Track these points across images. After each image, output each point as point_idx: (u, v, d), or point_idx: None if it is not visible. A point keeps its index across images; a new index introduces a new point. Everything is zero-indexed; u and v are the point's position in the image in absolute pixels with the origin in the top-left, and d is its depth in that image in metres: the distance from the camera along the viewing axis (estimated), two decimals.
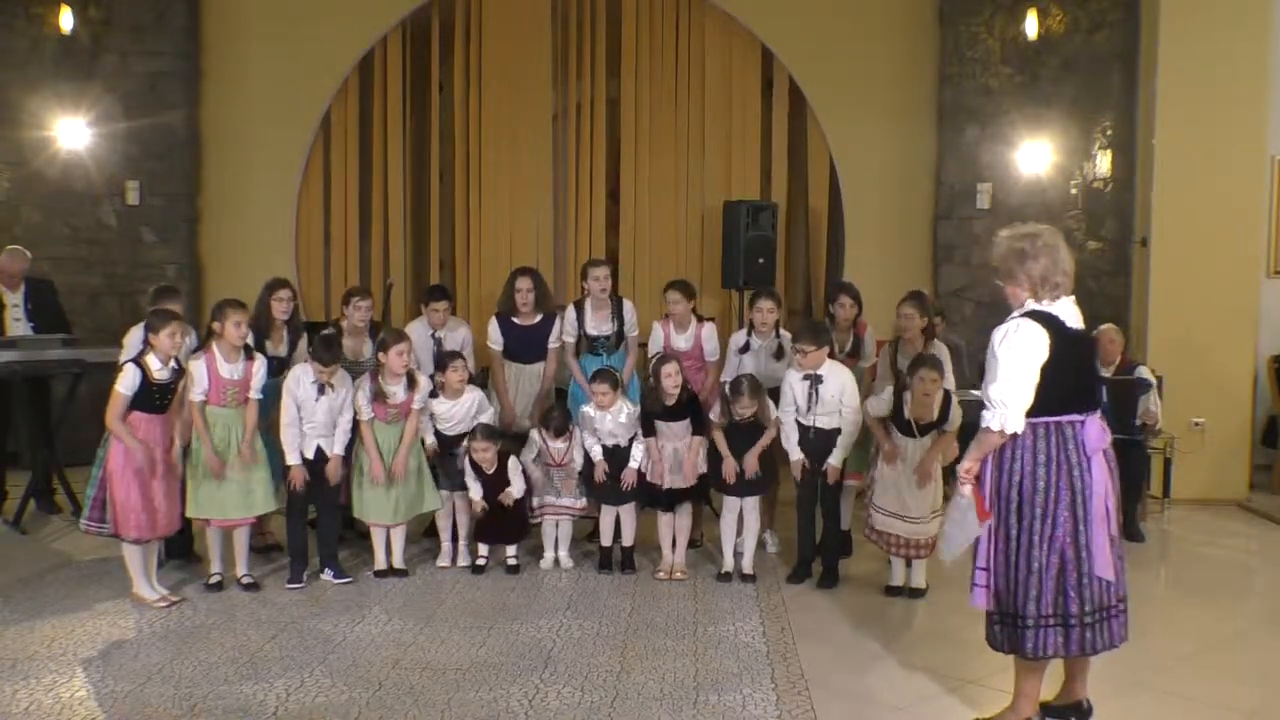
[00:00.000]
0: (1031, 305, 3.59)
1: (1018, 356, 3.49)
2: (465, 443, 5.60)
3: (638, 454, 5.57)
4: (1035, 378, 3.48)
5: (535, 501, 5.70)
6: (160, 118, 8.53)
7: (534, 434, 5.71)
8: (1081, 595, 3.52)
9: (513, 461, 5.59)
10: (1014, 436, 3.53)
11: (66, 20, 8.26)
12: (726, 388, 5.61)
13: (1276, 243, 8.05)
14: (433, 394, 5.64)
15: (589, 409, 5.64)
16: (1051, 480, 3.52)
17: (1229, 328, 7.49)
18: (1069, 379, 3.54)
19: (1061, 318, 3.56)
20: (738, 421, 5.41)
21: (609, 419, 5.57)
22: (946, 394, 5.21)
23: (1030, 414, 3.51)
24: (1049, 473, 3.52)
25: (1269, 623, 5.12)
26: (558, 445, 5.64)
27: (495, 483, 5.55)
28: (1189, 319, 7.45)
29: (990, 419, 3.51)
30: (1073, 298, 3.63)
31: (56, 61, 8.46)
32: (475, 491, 5.56)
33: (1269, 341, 7.91)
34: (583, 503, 5.73)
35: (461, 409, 5.67)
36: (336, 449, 5.36)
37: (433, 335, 6.22)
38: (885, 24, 8.59)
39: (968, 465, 3.63)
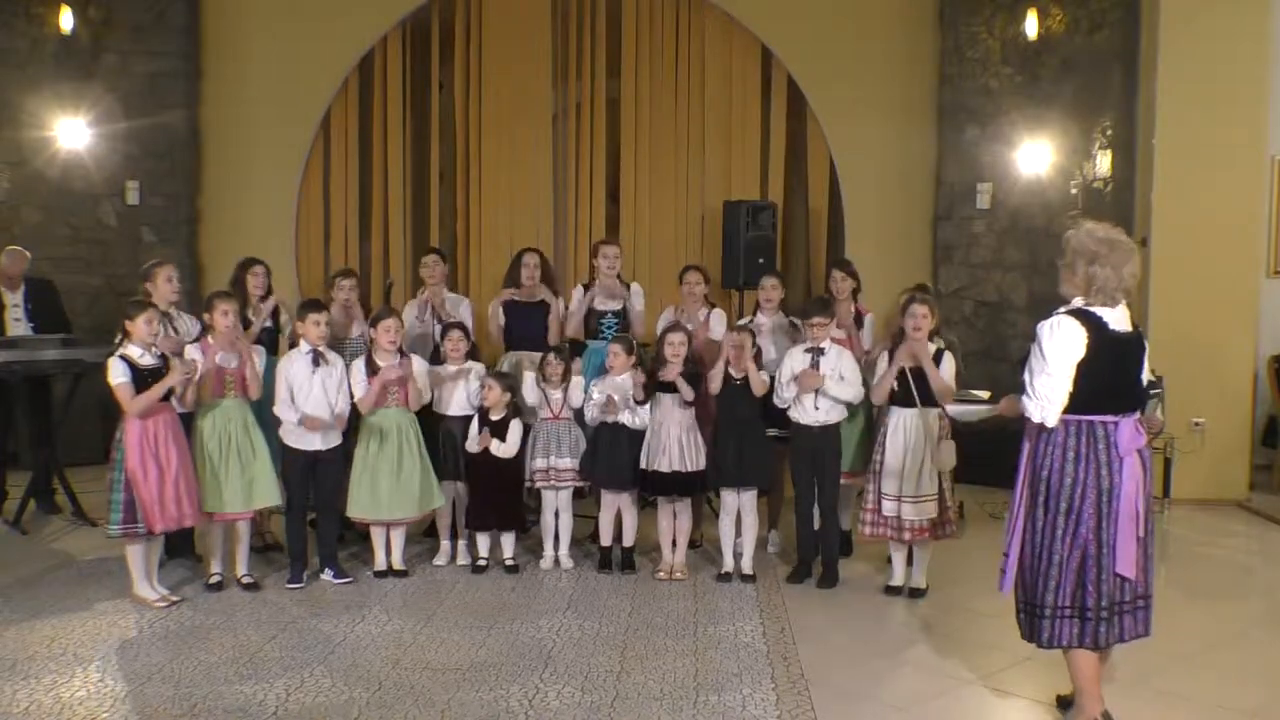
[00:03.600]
0: (1078, 303, 3.62)
1: (1059, 352, 3.53)
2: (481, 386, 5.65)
3: (633, 411, 5.54)
4: (1071, 374, 3.53)
5: (540, 463, 5.63)
6: (160, 118, 8.55)
7: (529, 379, 5.70)
8: (1099, 590, 3.58)
9: (515, 423, 5.58)
10: (1044, 430, 3.59)
11: (66, 20, 8.28)
12: (727, 336, 5.58)
13: (1276, 243, 8.05)
14: (437, 362, 5.74)
15: (596, 390, 5.61)
16: (1080, 477, 3.56)
17: (1229, 328, 7.49)
18: (1105, 380, 3.57)
19: (1105, 319, 3.58)
20: (735, 382, 5.40)
21: (615, 386, 5.54)
22: (940, 352, 5.20)
23: (1064, 410, 3.56)
24: (1078, 469, 3.56)
25: (1269, 623, 5.13)
26: (556, 395, 5.64)
27: (494, 433, 5.55)
28: (1189, 319, 7.45)
29: (1032, 410, 3.58)
30: (1124, 303, 3.65)
31: (56, 61, 8.47)
32: (473, 444, 5.55)
33: (1269, 341, 7.91)
34: (576, 463, 5.66)
35: (462, 385, 5.68)
36: (340, 408, 5.36)
37: (430, 305, 6.29)
38: (885, 24, 8.59)
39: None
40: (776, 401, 5.44)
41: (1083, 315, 3.57)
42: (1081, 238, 3.67)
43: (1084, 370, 3.53)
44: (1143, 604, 3.68)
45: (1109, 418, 3.57)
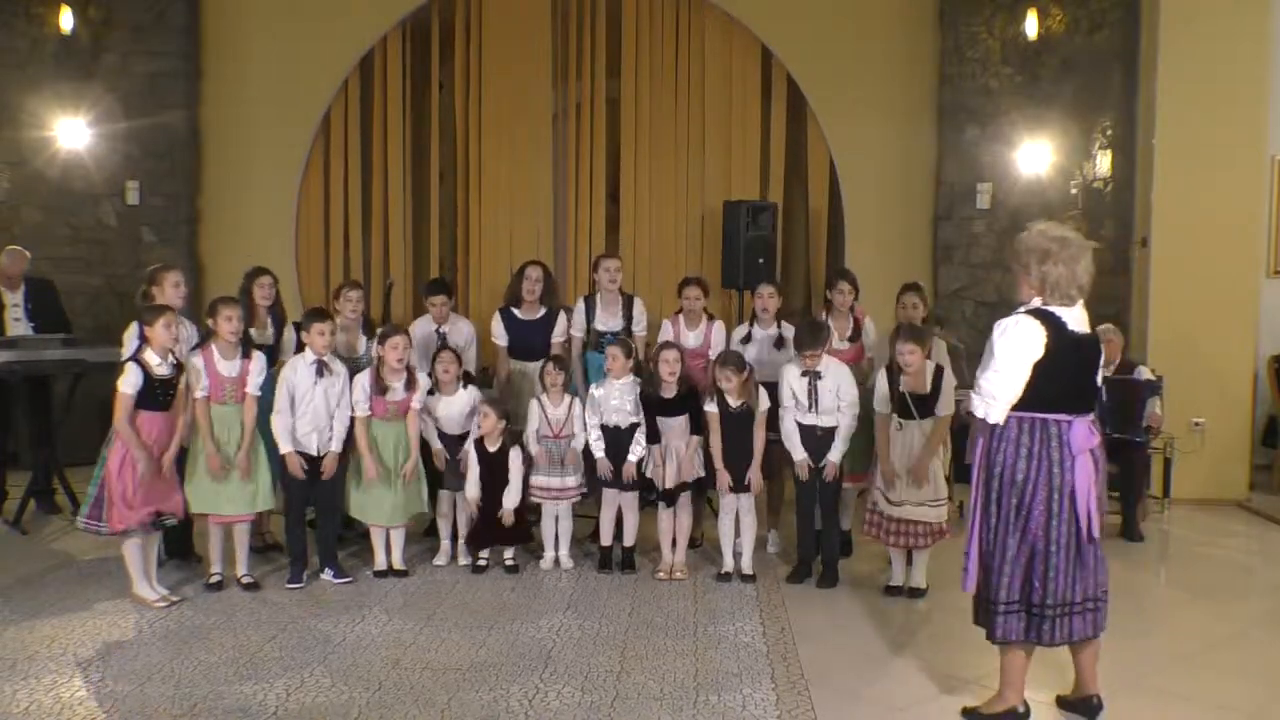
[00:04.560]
0: (1037, 304, 3.66)
1: (1011, 351, 3.58)
2: (469, 441, 5.59)
3: (638, 448, 5.53)
4: (1026, 373, 3.57)
5: (541, 480, 5.61)
6: (160, 118, 8.55)
7: (533, 404, 5.67)
8: (1046, 587, 3.63)
9: (514, 454, 5.54)
10: (1001, 428, 3.63)
11: (66, 20, 8.29)
12: (714, 367, 5.53)
13: (1276, 243, 8.05)
14: (431, 391, 5.65)
15: (597, 390, 5.62)
16: (1031, 475, 3.60)
17: (1229, 328, 7.49)
18: (1063, 380, 3.61)
19: (1064, 319, 3.61)
20: (731, 411, 5.40)
21: (616, 390, 5.54)
22: (939, 369, 5.22)
23: (1019, 408, 3.61)
24: (1029, 466, 3.60)
25: (1269, 623, 5.13)
26: (557, 414, 5.62)
27: (495, 468, 5.51)
28: (1189, 319, 7.46)
29: (977, 405, 3.65)
30: (1081, 303, 3.68)
31: (56, 61, 8.48)
32: (472, 489, 5.53)
33: (1269, 341, 7.92)
34: (581, 480, 5.65)
35: (457, 407, 5.67)
36: (334, 446, 5.34)
37: (436, 330, 6.25)
38: (885, 24, 8.59)
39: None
40: (783, 433, 5.45)
41: (1043, 315, 3.61)
42: (1033, 237, 3.69)
43: (1043, 370, 3.56)
44: (1090, 606, 3.70)
45: (1063, 417, 3.61)
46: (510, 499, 5.52)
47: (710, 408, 5.42)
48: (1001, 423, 3.62)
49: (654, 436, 5.52)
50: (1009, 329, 3.61)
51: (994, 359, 3.60)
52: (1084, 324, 3.68)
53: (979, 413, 3.63)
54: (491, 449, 5.54)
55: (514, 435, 5.64)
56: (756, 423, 5.41)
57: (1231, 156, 7.46)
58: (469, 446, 5.57)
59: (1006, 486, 3.63)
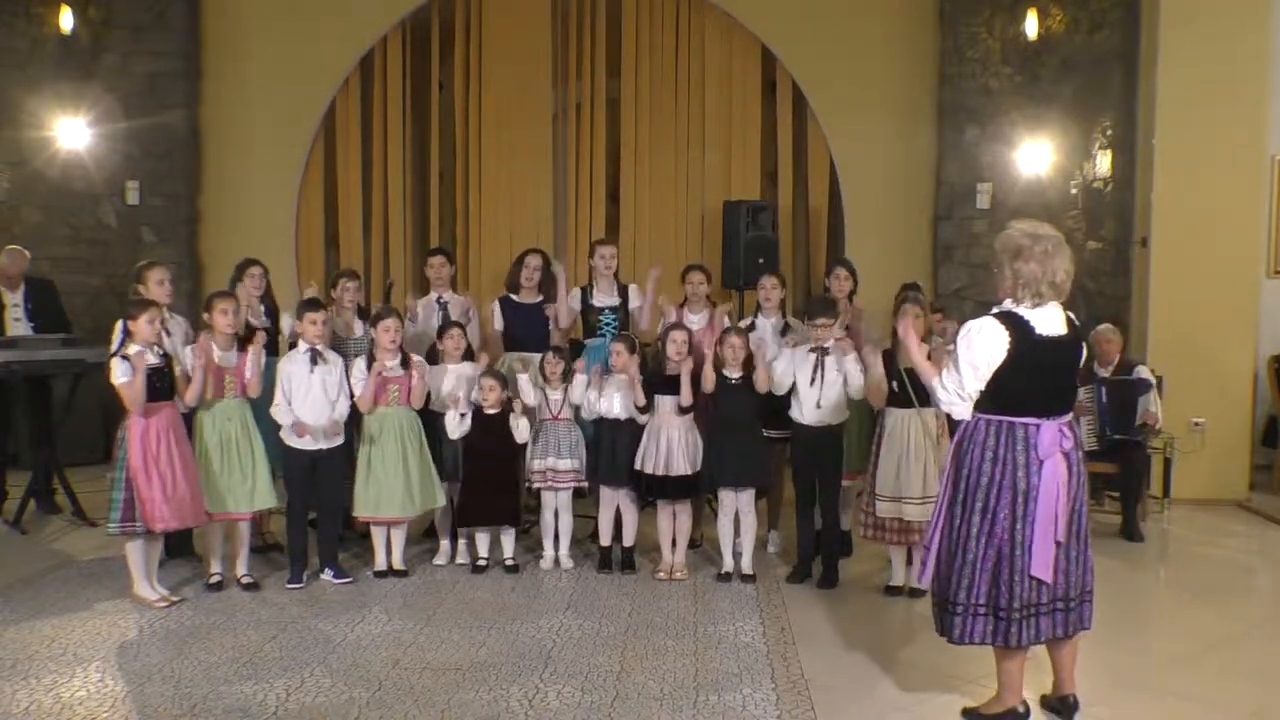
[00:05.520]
0: (1007, 305, 3.65)
1: (971, 352, 3.60)
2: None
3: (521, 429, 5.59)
4: (986, 374, 3.59)
5: (539, 464, 5.63)
6: (160, 118, 8.56)
7: (528, 385, 5.69)
8: (1013, 590, 3.59)
9: (513, 417, 5.57)
10: (969, 428, 3.67)
11: (66, 20, 8.30)
12: (721, 334, 5.54)
13: (1276, 243, 8.05)
14: (433, 362, 5.71)
15: (594, 391, 5.62)
16: (996, 478, 3.59)
17: (1229, 328, 7.49)
18: (1030, 383, 3.58)
19: (1032, 322, 3.58)
20: (730, 382, 5.40)
21: (617, 384, 5.54)
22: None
23: (985, 410, 3.63)
24: (994, 469, 3.59)
25: (1269, 623, 5.13)
26: (555, 396, 5.63)
27: (490, 428, 5.52)
28: (1189, 319, 7.46)
29: (940, 399, 3.75)
30: (1057, 303, 3.63)
31: (56, 61, 8.49)
32: (456, 429, 5.52)
33: (1269, 341, 7.92)
34: (578, 464, 5.65)
35: (457, 377, 5.68)
36: (338, 414, 5.35)
37: (437, 300, 6.27)
38: (885, 24, 8.59)
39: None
40: (774, 389, 5.42)
41: (1008, 318, 3.59)
42: (1009, 234, 3.70)
43: (1007, 373, 3.56)
44: (1062, 606, 3.66)
45: (1030, 420, 3.57)
46: (520, 433, 5.55)
47: (709, 372, 5.42)
48: (967, 417, 3.67)
49: (649, 401, 5.51)
50: (971, 330, 3.64)
51: (957, 358, 3.64)
52: (1057, 325, 3.62)
53: (943, 406, 3.75)
54: (490, 413, 5.55)
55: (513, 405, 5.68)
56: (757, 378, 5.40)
57: (1231, 156, 7.46)
58: (467, 405, 5.61)
59: (973, 489, 3.62)
